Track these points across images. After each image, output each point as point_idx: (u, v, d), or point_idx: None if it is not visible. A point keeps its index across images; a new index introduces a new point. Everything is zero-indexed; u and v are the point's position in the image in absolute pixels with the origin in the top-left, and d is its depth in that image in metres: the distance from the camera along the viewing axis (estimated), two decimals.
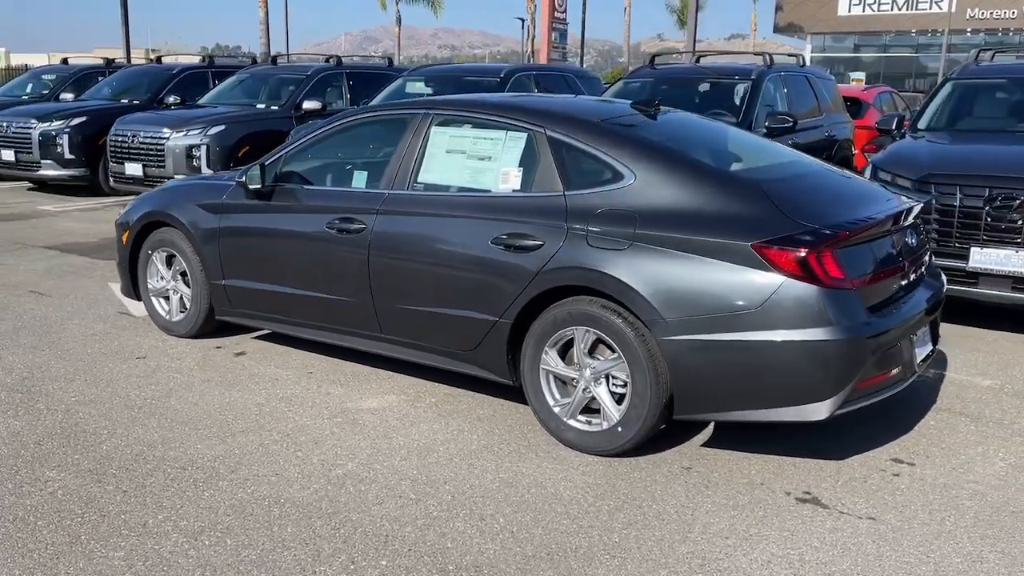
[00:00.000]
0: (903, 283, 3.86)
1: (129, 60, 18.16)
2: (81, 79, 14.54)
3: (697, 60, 9.98)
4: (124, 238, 5.62)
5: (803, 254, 3.37)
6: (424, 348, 4.35)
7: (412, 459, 3.79)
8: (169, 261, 5.45)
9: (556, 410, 3.92)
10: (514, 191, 4.09)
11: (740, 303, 3.43)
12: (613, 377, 3.76)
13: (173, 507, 3.34)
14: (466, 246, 4.08)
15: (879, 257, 3.72)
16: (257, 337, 5.47)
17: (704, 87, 8.37)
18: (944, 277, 4.50)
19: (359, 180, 4.64)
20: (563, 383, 3.92)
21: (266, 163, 4.85)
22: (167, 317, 5.51)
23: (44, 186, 12.43)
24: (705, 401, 3.59)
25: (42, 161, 11.71)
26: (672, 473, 3.68)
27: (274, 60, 13.27)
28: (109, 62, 15.38)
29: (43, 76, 15.32)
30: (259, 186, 4.79)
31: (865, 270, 3.59)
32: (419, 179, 4.35)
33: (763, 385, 3.48)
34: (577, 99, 5.64)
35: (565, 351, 3.89)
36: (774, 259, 3.39)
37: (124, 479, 3.56)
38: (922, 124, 7.04)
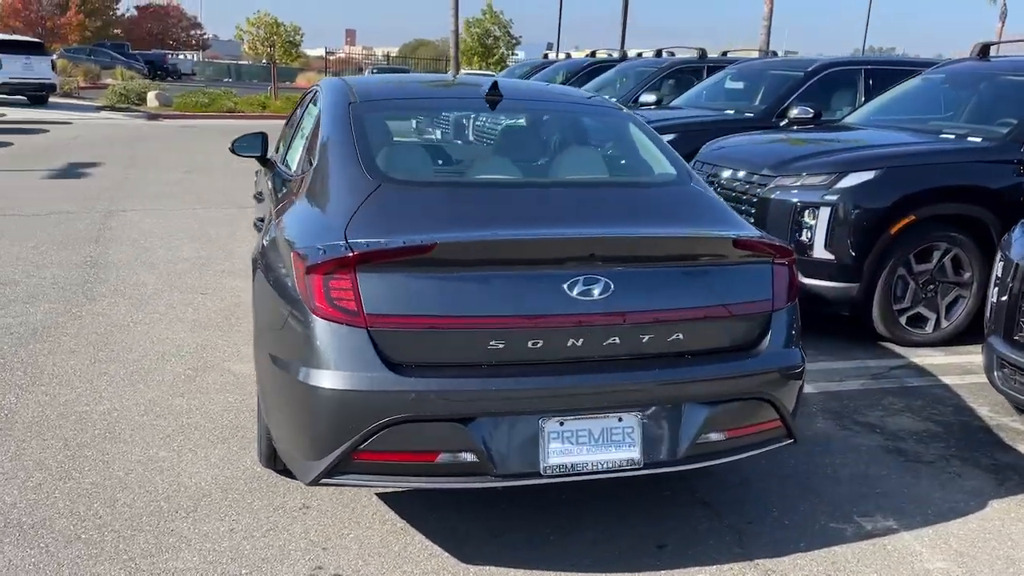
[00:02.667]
0: (537, 343, 2.61)
1: (623, 55, 19.54)
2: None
3: None
4: None
5: (302, 270, 2.63)
6: None
7: (163, 420, 3.87)
8: None
9: None
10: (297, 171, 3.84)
11: (275, 318, 2.83)
12: None
13: None
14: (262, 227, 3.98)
15: (474, 296, 2.61)
16: None
17: (993, 87, 6.08)
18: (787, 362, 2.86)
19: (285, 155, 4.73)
20: None
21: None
22: None
23: None
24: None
25: None
26: (281, 506, 3.18)
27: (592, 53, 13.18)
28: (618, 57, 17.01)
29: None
30: (247, 154, 5.20)
31: (420, 309, 2.56)
32: (287, 157, 4.32)
33: (281, 424, 2.82)
34: (410, 78, 4.78)
35: None
36: (297, 271, 2.70)
37: None
38: None
